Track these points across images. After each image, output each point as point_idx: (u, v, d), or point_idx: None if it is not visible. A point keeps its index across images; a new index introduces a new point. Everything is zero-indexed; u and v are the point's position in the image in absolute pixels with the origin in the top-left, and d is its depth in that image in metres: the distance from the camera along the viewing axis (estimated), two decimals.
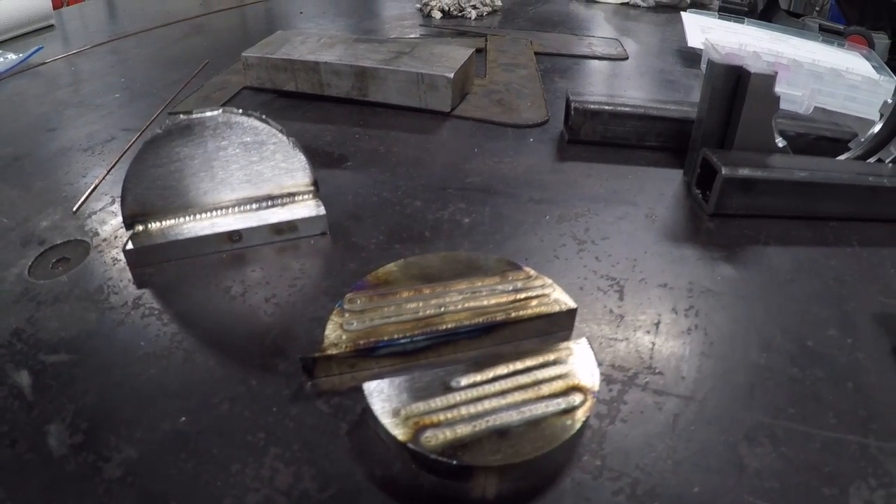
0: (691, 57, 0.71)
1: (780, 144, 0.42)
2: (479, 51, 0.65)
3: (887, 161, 0.44)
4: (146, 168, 0.33)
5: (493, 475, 0.22)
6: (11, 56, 0.84)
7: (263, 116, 0.33)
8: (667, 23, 0.87)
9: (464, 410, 0.23)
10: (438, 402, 0.23)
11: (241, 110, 0.33)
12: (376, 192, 0.39)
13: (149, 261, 0.33)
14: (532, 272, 0.29)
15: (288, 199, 0.35)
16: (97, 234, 0.38)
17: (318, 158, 0.43)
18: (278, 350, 0.27)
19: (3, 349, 0.30)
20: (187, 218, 0.34)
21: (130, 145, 0.49)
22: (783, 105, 0.60)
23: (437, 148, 0.45)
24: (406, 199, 0.38)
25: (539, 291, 0.28)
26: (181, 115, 0.32)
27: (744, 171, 0.37)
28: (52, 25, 1.01)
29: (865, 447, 0.25)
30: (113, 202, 0.42)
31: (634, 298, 0.30)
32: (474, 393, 0.23)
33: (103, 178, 0.44)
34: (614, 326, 0.28)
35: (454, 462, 0.21)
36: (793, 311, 0.31)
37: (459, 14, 0.80)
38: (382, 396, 0.23)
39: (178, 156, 0.33)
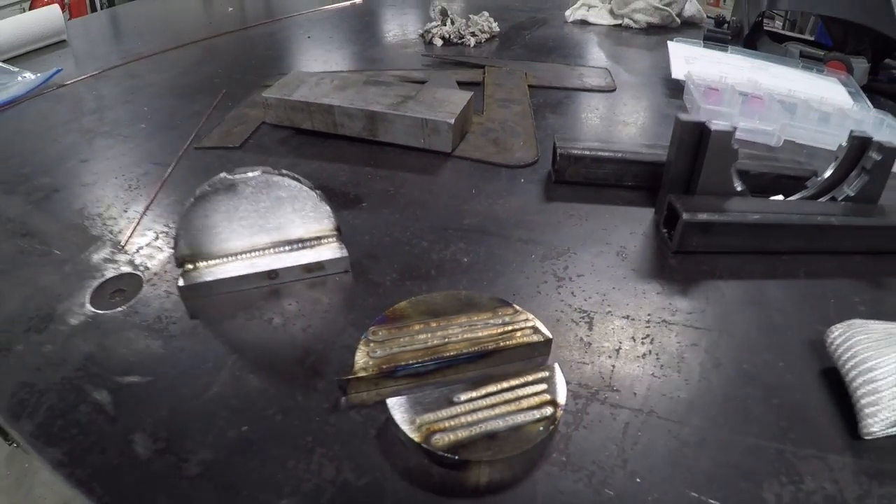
0: (677, 86, 0.80)
1: (739, 188, 0.50)
2: (476, 84, 0.74)
3: (840, 199, 0.53)
4: (196, 218, 0.42)
5: (485, 467, 0.31)
6: (29, 75, 0.92)
7: (296, 175, 0.42)
8: (656, 46, 0.96)
9: (463, 419, 0.31)
10: (444, 413, 0.32)
11: (276, 170, 0.42)
12: (388, 233, 0.47)
13: (199, 295, 0.42)
14: (518, 307, 0.38)
15: (315, 242, 0.43)
16: (147, 268, 0.46)
17: (337, 199, 0.51)
18: (316, 372, 0.36)
19: (81, 371, 0.38)
20: (231, 258, 0.43)
21: (164, 181, 0.57)
22: (756, 138, 0.69)
23: (440, 189, 0.54)
24: (414, 239, 0.47)
25: (522, 324, 0.37)
26: (226, 175, 0.41)
27: (703, 216, 0.46)
28: (64, 41, 1.09)
29: (782, 452, 0.34)
30: (157, 237, 0.50)
31: (601, 328, 0.39)
32: (471, 406, 0.32)
33: (143, 214, 0.53)
34: (583, 352, 0.37)
35: (456, 457, 0.29)
36: (736, 338, 0.40)
37: (459, 41, 0.88)
38: (402, 409, 0.32)
39: (223, 207, 0.42)
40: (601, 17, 1.02)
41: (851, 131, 0.53)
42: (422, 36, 0.92)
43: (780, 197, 0.54)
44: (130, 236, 0.50)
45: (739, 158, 0.50)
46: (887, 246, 0.51)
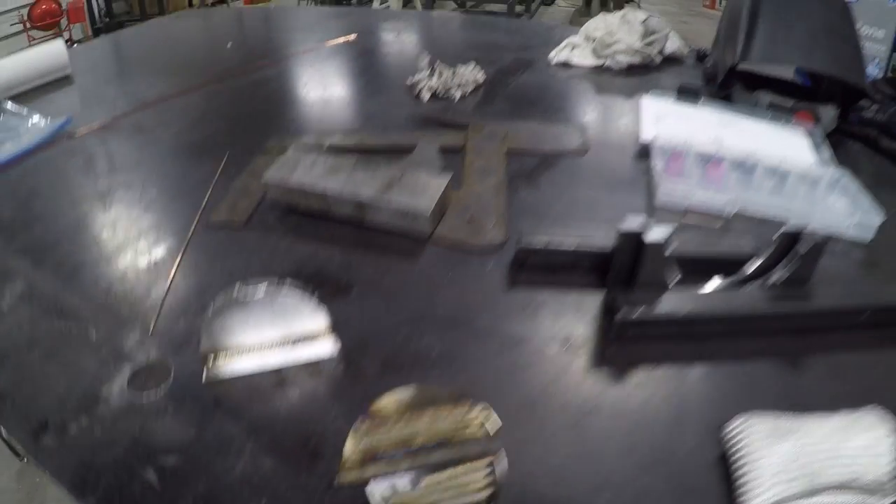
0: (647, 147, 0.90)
1: (676, 279, 0.62)
2: (457, 151, 0.84)
3: (772, 281, 0.64)
4: (215, 323, 0.54)
5: None
6: (38, 118, 1.02)
7: (297, 285, 0.54)
8: (635, 89, 1.05)
9: (426, 499, 0.44)
10: (409, 495, 0.45)
11: (281, 282, 0.54)
12: (374, 322, 0.60)
13: (221, 384, 0.55)
14: (474, 401, 0.50)
15: (313, 338, 0.56)
16: (175, 354, 0.58)
17: (330, 287, 0.63)
18: (317, 453, 0.49)
19: (129, 451, 0.50)
20: (246, 352, 0.55)
21: (178, 263, 0.68)
22: (711, 207, 0.79)
23: (419, 275, 0.66)
24: (395, 329, 0.59)
25: (478, 415, 0.50)
26: (238, 294, 0.53)
27: (638, 313, 0.58)
28: (68, 76, 1.19)
29: None
30: (178, 320, 0.62)
31: (542, 416, 0.52)
32: (432, 488, 0.45)
33: (164, 299, 0.64)
34: (525, 440, 0.50)
35: None
36: (653, 424, 0.52)
37: (446, 94, 0.98)
38: (378, 493, 0.44)
39: (237, 314, 0.54)
40: (584, 57, 1.11)
41: (783, 226, 0.63)
42: (410, 87, 1.02)
43: (719, 278, 0.65)
44: (155, 323, 0.62)
45: (686, 240, 0.61)
46: (812, 325, 0.62)
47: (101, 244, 0.74)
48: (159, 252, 0.71)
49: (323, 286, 0.63)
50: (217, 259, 0.69)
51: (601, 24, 1.09)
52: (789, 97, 1.03)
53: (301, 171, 0.73)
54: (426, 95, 0.99)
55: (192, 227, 0.73)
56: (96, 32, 3.62)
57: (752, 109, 0.99)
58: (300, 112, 1.04)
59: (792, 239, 0.64)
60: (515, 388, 0.54)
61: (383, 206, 0.68)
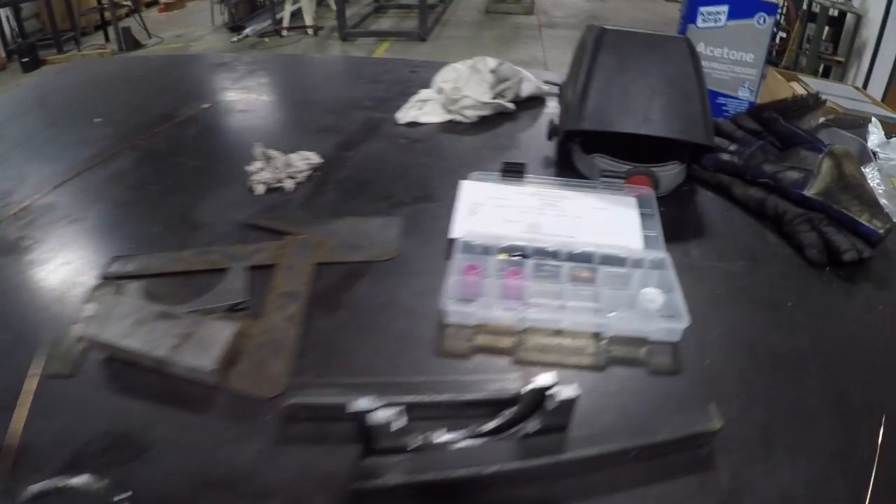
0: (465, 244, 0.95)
1: (415, 445, 0.72)
2: (272, 266, 0.94)
3: (524, 433, 0.70)
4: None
5: None
6: None
7: (87, 480, 0.69)
8: (478, 153, 1.08)
9: None
10: None
11: (73, 476, 0.69)
12: (165, 485, 0.70)
13: None
14: None
15: None
16: None
17: (133, 449, 0.76)
18: None
19: None
20: None
21: (27, 417, 0.84)
22: (505, 322, 0.86)
23: (204, 432, 0.77)
24: (178, 490, 0.71)
25: None
26: (35, 487, 0.69)
27: (374, 483, 0.69)
28: None
29: None
30: (27, 480, 0.79)
31: None
32: None
33: (13, 458, 0.81)
34: None
35: None
36: None
37: (278, 186, 1.05)
38: None
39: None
40: (434, 113, 1.12)
41: (531, 384, 0.70)
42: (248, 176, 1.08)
43: (470, 430, 0.73)
44: (6, 482, 0.79)
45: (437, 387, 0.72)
46: (572, 470, 0.68)
47: None
48: (8, 402, 0.87)
49: (128, 447, 0.78)
50: (50, 415, 0.84)
51: (451, 75, 1.09)
52: (629, 158, 1.03)
53: (111, 325, 0.85)
54: (259, 189, 1.06)
55: (36, 381, 0.88)
56: (10, 55, 3.62)
57: (583, 181, 1.01)
58: (139, 223, 1.11)
59: (541, 393, 0.70)
60: None
61: (175, 362, 0.81)
